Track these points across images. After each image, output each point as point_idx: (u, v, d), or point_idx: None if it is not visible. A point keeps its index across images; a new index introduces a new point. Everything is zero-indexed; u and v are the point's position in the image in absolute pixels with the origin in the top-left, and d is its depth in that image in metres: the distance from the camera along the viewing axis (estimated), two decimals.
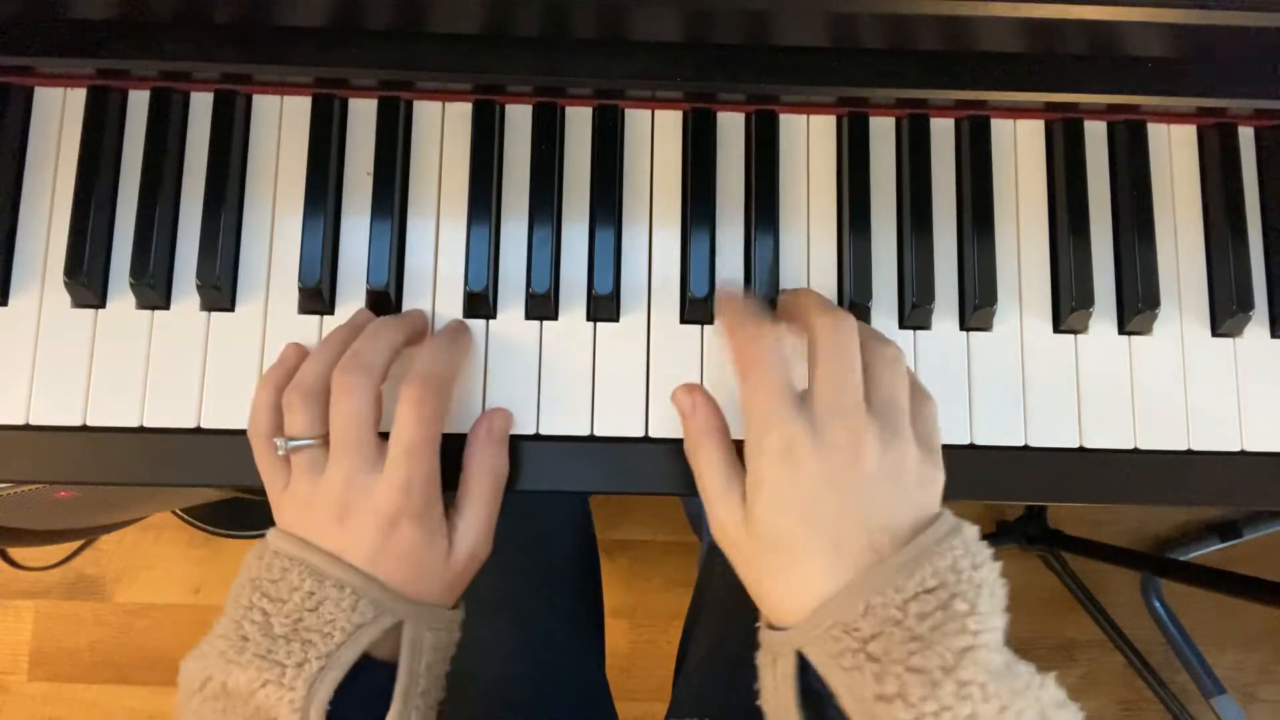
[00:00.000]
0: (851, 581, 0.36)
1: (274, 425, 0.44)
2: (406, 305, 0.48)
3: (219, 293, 0.47)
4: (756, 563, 0.40)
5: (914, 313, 0.48)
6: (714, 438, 0.43)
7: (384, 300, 0.48)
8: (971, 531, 0.38)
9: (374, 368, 0.43)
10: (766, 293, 0.48)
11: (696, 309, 0.48)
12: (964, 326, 0.49)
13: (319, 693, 0.38)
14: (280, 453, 0.43)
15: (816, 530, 0.37)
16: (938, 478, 0.40)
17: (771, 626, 0.40)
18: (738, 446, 0.42)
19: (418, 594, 0.43)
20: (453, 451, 0.45)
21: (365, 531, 0.42)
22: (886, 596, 0.35)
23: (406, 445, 0.42)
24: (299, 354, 0.46)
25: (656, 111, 0.50)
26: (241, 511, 1.25)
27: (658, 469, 0.47)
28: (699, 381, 0.48)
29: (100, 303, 0.47)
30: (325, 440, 0.43)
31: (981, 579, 0.36)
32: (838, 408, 0.38)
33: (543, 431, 0.47)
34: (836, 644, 0.36)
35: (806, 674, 0.38)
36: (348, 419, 0.42)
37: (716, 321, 0.48)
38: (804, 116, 0.51)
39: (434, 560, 0.43)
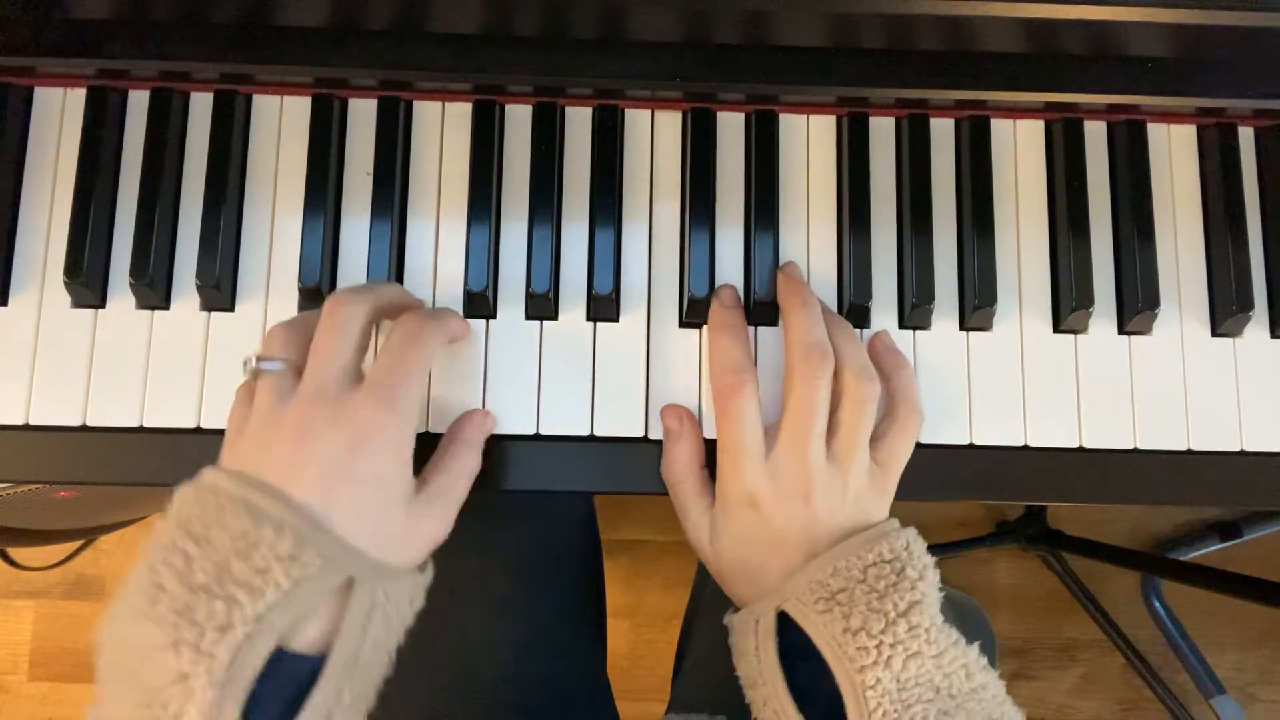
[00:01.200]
0: (822, 554, 0.43)
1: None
2: None
3: (219, 293, 0.47)
4: (725, 572, 0.46)
5: (914, 313, 0.48)
6: (691, 469, 0.46)
7: None
8: (913, 530, 0.44)
9: (374, 295, 0.41)
10: (767, 293, 0.48)
11: (696, 309, 0.48)
12: (964, 326, 0.49)
13: (243, 668, 0.33)
14: (246, 371, 0.40)
15: (772, 557, 0.44)
16: (883, 497, 0.45)
17: None
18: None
19: (372, 544, 0.37)
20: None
21: (326, 444, 0.37)
22: (850, 562, 0.42)
23: (393, 360, 0.39)
24: None
25: (656, 111, 0.50)
26: None
27: (657, 469, 0.47)
28: (697, 382, 0.48)
29: (100, 303, 0.47)
30: (298, 369, 0.40)
31: (927, 563, 0.43)
32: (796, 463, 0.43)
33: (542, 431, 0.47)
34: (811, 595, 0.42)
35: (784, 645, 0.43)
36: (335, 328, 0.39)
37: (708, 331, 0.48)
38: (804, 116, 0.50)
39: (398, 498, 0.39)
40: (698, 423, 0.47)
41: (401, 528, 0.39)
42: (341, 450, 0.37)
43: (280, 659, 0.34)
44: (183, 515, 0.36)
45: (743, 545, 0.45)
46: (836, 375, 0.44)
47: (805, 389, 0.44)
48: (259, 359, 0.39)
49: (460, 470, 0.43)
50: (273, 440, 0.37)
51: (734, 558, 0.45)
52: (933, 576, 0.43)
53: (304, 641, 0.36)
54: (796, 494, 0.43)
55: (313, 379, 0.38)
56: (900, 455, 0.46)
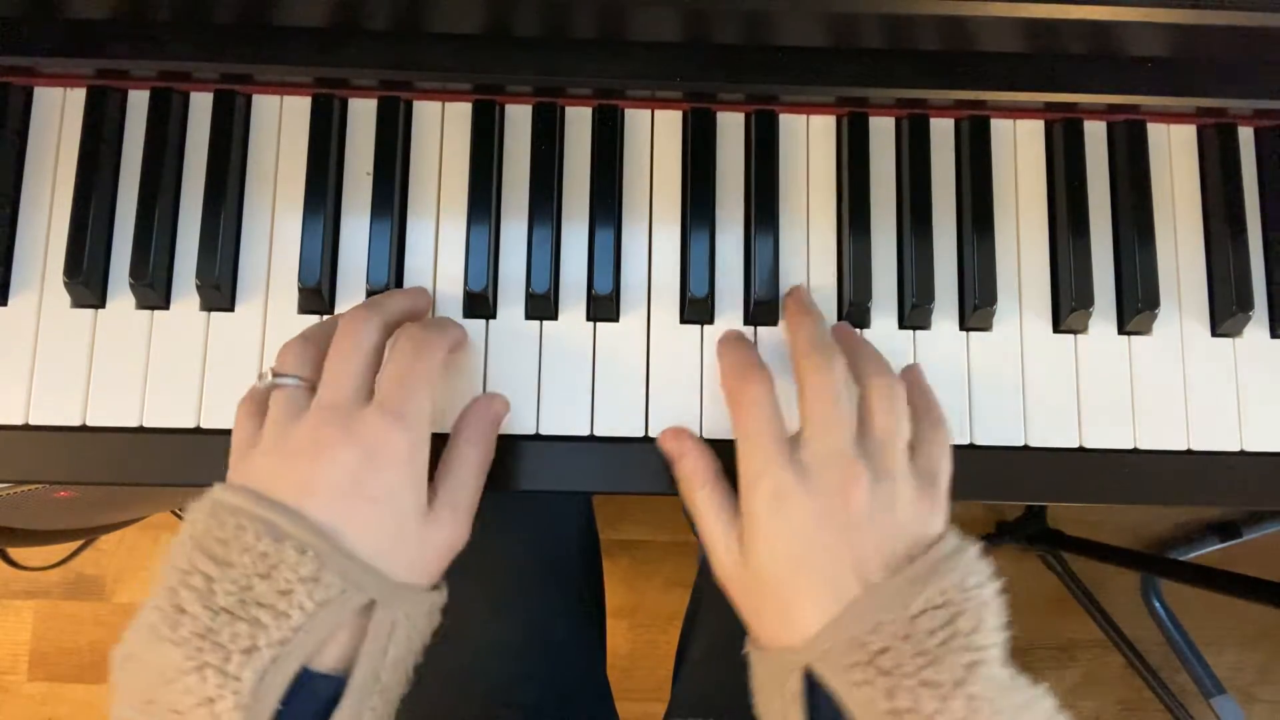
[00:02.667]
0: (859, 599, 0.37)
1: (265, 401, 0.41)
2: None
3: (219, 292, 0.47)
4: (754, 600, 0.40)
5: (914, 313, 0.48)
6: (706, 482, 0.42)
7: None
8: (974, 550, 0.39)
9: (384, 310, 0.41)
10: (766, 293, 0.48)
11: (696, 309, 0.48)
12: (964, 326, 0.49)
13: (269, 690, 0.33)
14: (261, 385, 0.40)
15: (809, 573, 0.38)
16: (936, 511, 0.40)
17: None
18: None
19: (389, 564, 0.37)
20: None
21: (339, 462, 0.36)
22: (895, 613, 0.36)
23: (400, 373, 0.39)
24: None
25: (656, 111, 0.50)
26: None
27: (658, 469, 0.47)
28: (698, 382, 0.48)
29: (100, 303, 0.47)
30: (312, 386, 0.40)
31: (986, 596, 0.37)
32: (825, 453, 0.39)
33: (543, 431, 0.47)
34: (847, 658, 0.36)
35: (813, 699, 0.37)
36: (349, 348, 0.39)
37: (717, 346, 0.47)
38: (804, 116, 0.50)
39: (412, 513, 0.38)
40: (698, 436, 0.45)
41: (417, 544, 0.39)
42: (354, 467, 0.37)
43: (304, 678, 0.35)
44: (198, 533, 0.36)
45: (771, 562, 0.39)
46: (857, 379, 0.41)
47: (820, 377, 0.40)
48: (275, 373, 0.40)
49: (467, 471, 0.42)
50: (286, 457, 0.37)
51: (764, 581, 0.39)
52: (994, 619, 0.36)
53: (326, 661, 0.36)
54: (831, 488, 0.38)
55: (327, 397, 0.39)
56: (943, 466, 0.41)
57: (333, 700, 0.35)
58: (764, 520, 0.39)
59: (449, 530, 0.40)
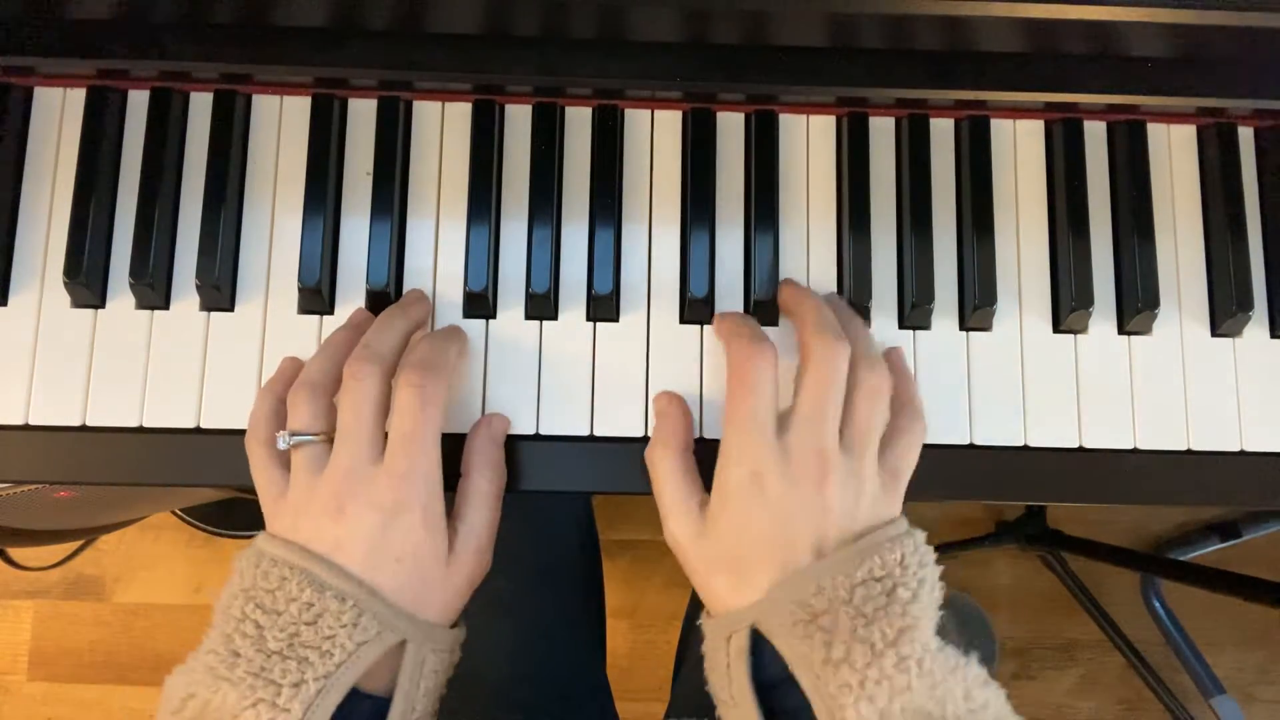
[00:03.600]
0: (806, 566, 0.39)
1: (274, 433, 0.43)
2: None
3: (219, 292, 0.47)
4: (709, 568, 0.42)
5: (914, 313, 0.48)
6: (673, 449, 0.44)
7: (384, 300, 0.48)
8: (920, 536, 0.41)
9: (385, 357, 0.42)
10: (766, 293, 0.48)
11: (696, 309, 0.48)
12: (964, 326, 0.49)
13: (315, 717, 0.37)
14: (282, 446, 0.42)
15: (771, 550, 0.40)
16: (894, 503, 0.43)
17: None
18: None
19: (418, 607, 0.41)
20: (451, 452, 0.45)
21: (363, 525, 0.40)
22: (836, 580, 0.39)
23: (406, 432, 0.41)
24: (296, 366, 0.46)
25: (656, 111, 0.50)
26: (241, 511, 1.25)
27: None
28: (698, 382, 0.48)
29: (100, 303, 0.47)
30: (328, 437, 0.42)
31: (924, 576, 0.40)
32: (811, 444, 0.41)
33: (543, 431, 0.47)
34: (791, 616, 0.38)
35: (758, 662, 0.40)
36: (358, 405, 0.41)
37: (715, 325, 0.47)
38: (804, 116, 0.51)
39: (434, 563, 0.42)
40: (689, 411, 0.46)
41: (441, 588, 0.42)
42: (376, 529, 0.40)
43: (352, 699, 0.39)
44: (247, 584, 0.40)
45: (737, 537, 0.41)
46: (850, 365, 0.42)
47: (823, 368, 0.41)
48: (292, 434, 0.42)
49: (483, 505, 0.44)
50: (315, 514, 0.41)
51: (725, 553, 0.41)
52: (929, 595, 0.39)
53: (369, 684, 0.40)
54: (809, 478, 0.40)
55: (343, 460, 0.41)
56: (909, 462, 0.44)
57: (372, 712, 0.39)
58: (738, 497, 0.41)
59: (470, 568, 0.44)
